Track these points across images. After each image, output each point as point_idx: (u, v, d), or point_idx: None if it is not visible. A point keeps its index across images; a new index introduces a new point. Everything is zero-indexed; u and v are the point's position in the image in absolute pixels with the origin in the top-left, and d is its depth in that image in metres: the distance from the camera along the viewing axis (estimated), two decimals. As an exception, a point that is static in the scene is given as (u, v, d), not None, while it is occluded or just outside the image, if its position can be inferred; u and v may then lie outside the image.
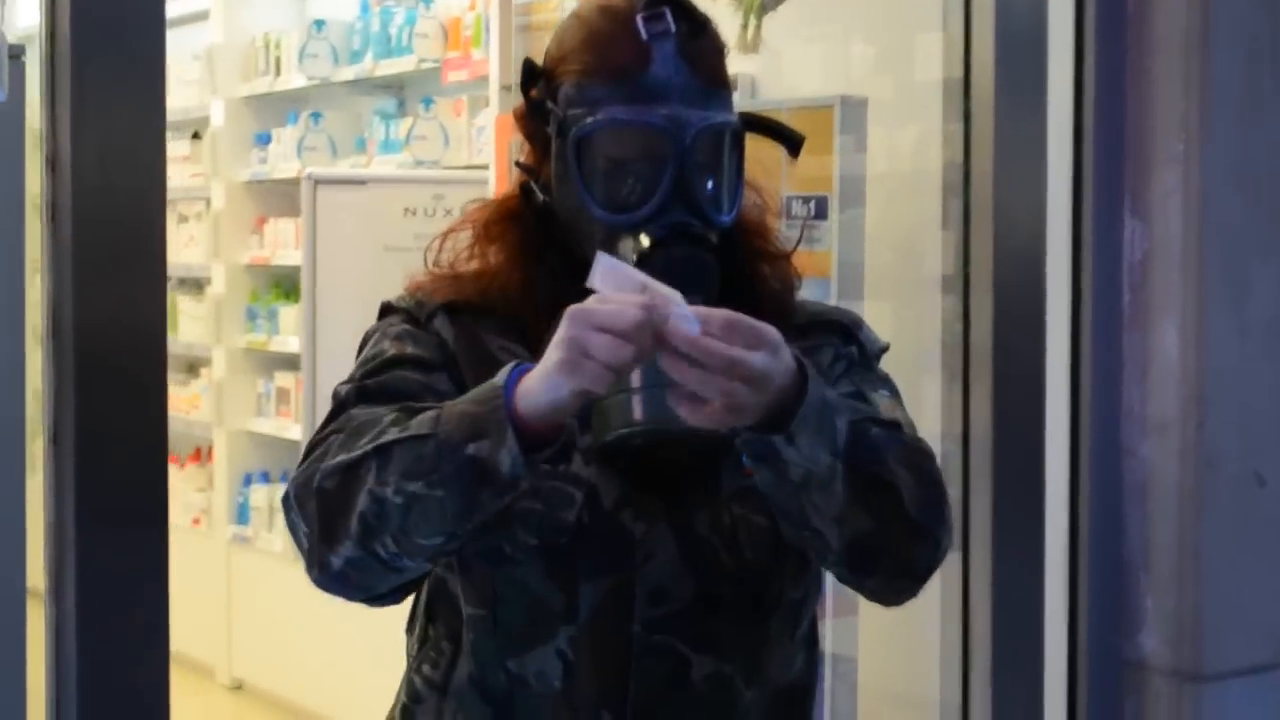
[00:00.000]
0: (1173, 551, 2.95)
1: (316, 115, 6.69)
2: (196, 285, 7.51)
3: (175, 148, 7.54)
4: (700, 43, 1.92)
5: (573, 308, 1.64)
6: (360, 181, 5.17)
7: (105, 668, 2.18)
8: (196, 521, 7.30)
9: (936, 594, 3.01)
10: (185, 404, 7.42)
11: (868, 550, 1.81)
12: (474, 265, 2.02)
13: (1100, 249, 2.98)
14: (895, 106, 3.22)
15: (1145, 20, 2.96)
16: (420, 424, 1.74)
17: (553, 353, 1.64)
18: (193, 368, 7.62)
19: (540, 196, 1.96)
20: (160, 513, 2.21)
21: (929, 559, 1.88)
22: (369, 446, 1.75)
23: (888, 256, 3.15)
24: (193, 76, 7.40)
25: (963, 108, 2.92)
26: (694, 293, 1.69)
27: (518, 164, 2.01)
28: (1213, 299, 2.94)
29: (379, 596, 1.88)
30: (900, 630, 3.16)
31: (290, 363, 6.58)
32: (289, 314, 6.65)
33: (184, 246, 7.46)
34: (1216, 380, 2.94)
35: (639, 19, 1.89)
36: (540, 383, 1.66)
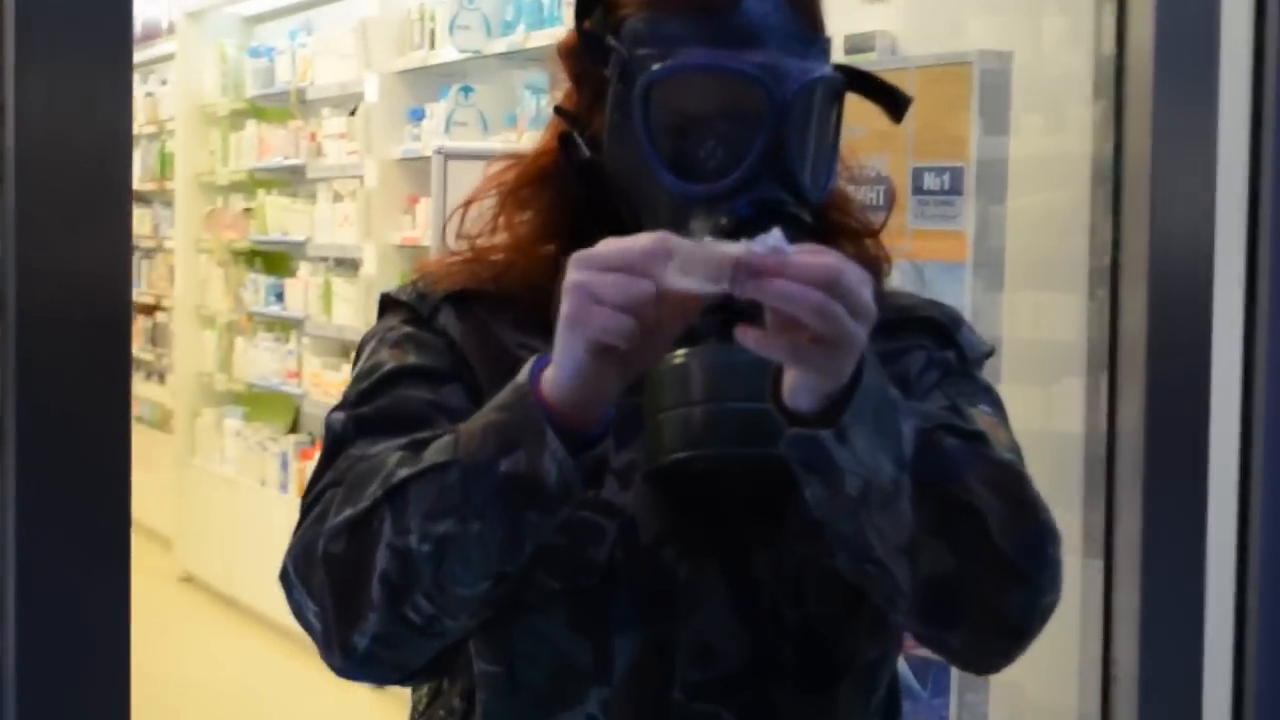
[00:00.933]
0: None
1: (467, 89, 6.68)
2: (350, 266, 7.54)
3: (331, 125, 7.70)
4: None
5: (578, 253, 1.40)
6: (492, 156, 4.87)
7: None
8: None
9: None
10: (337, 389, 7.18)
11: (946, 593, 1.53)
12: (496, 240, 1.73)
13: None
14: (1046, 78, 2.89)
15: None
16: (436, 452, 1.49)
17: (560, 308, 1.41)
18: (345, 352, 7.62)
19: (585, 152, 1.66)
20: (120, 536, 1.87)
21: (1027, 608, 1.57)
22: (378, 493, 1.50)
23: (1032, 241, 2.82)
24: (347, 50, 7.44)
25: (1114, 88, 2.56)
26: None
27: (558, 110, 1.71)
28: None
29: (417, 673, 1.63)
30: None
31: None
32: None
33: (339, 226, 7.54)
34: None
35: None
36: (556, 356, 1.42)
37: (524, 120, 6.38)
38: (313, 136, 7.82)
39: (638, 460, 1.62)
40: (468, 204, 1.76)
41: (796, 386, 1.42)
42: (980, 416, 1.66)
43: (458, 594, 1.49)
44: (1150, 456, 2.64)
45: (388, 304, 1.75)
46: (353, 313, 7.30)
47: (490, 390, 1.54)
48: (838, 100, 1.64)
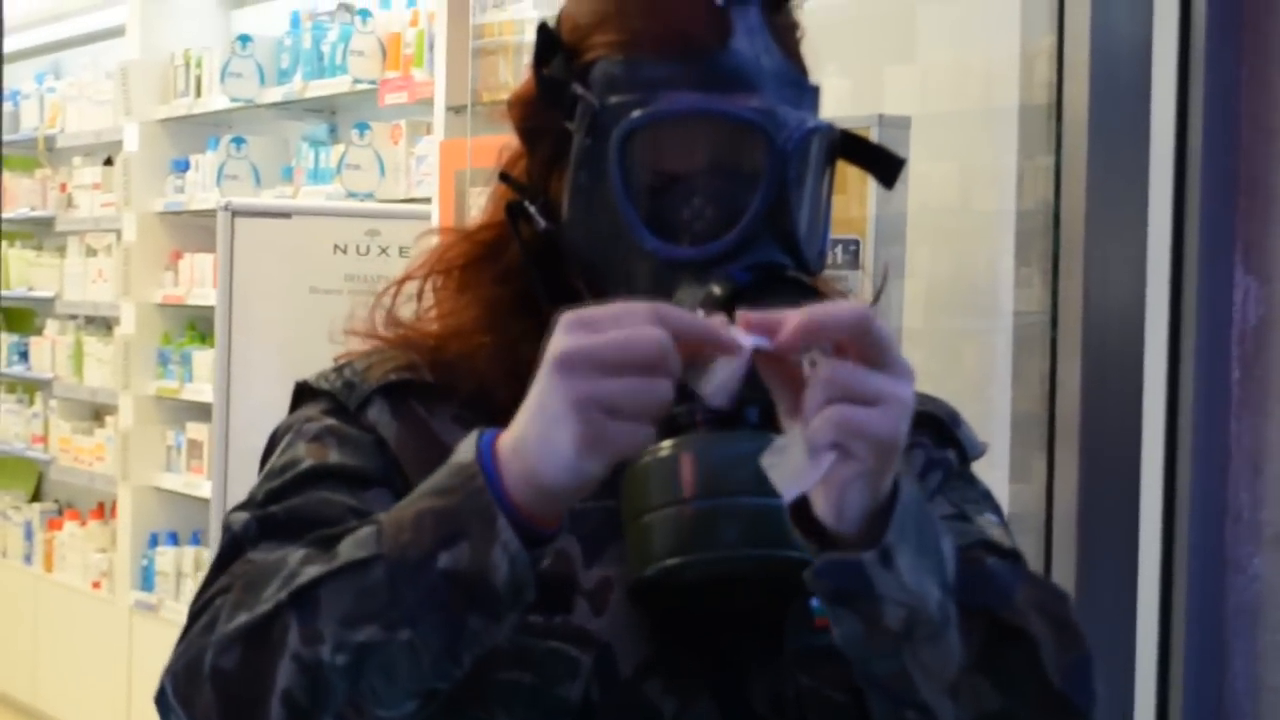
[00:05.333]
0: None
1: (239, 140, 6.46)
2: (104, 325, 7.34)
3: (85, 174, 7.52)
4: (784, 17, 1.47)
5: (557, 348, 1.19)
6: (284, 214, 4.88)
7: None
8: (97, 585, 7.11)
9: None
10: (88, 455, 7.28)
11: None
12: (433, 325, 1.53)
13: (1205, 314, 2.54)
14: (945, 134, 2.79)
15: (1268, 21, 2.52)
16: (355, 546, 1.28)
17: (556, 425, 1.19)
18: (98, 415, 7.47)
19: (541, 222, 1.48)
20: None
21: None
22: (281, 595, 1.29)
23: (937, 308, 2.71)
24: (105, 97, 7.21)
25: (1049, 137, 2.47)
26: None
27: (504, 178, 1.53)
28: (1354, 379, 2.54)
29: None
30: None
31: (204, 413, 6.32)
32: (204, 359, 6.41)
33: (91, 282, 7.34)
34: (1356, 482, 2.55)
35: None
36: (548, 464, 1.20)
37: (300, 174, 6.19)
38: (63, 187, 7.61)
39: (614, 577, 1.42)
40: (402, 282, 1.56)
41: (825, 499, 1.21)
42: (989, 527, 1.50)
43: (376, 717, 1.29)
44: (1083, 546, 2.58)
45: (306, 392, 1.54)
46: (107, 374, 7.06)
47: None
48: (832, 157, 1.47)
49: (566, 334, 1.19)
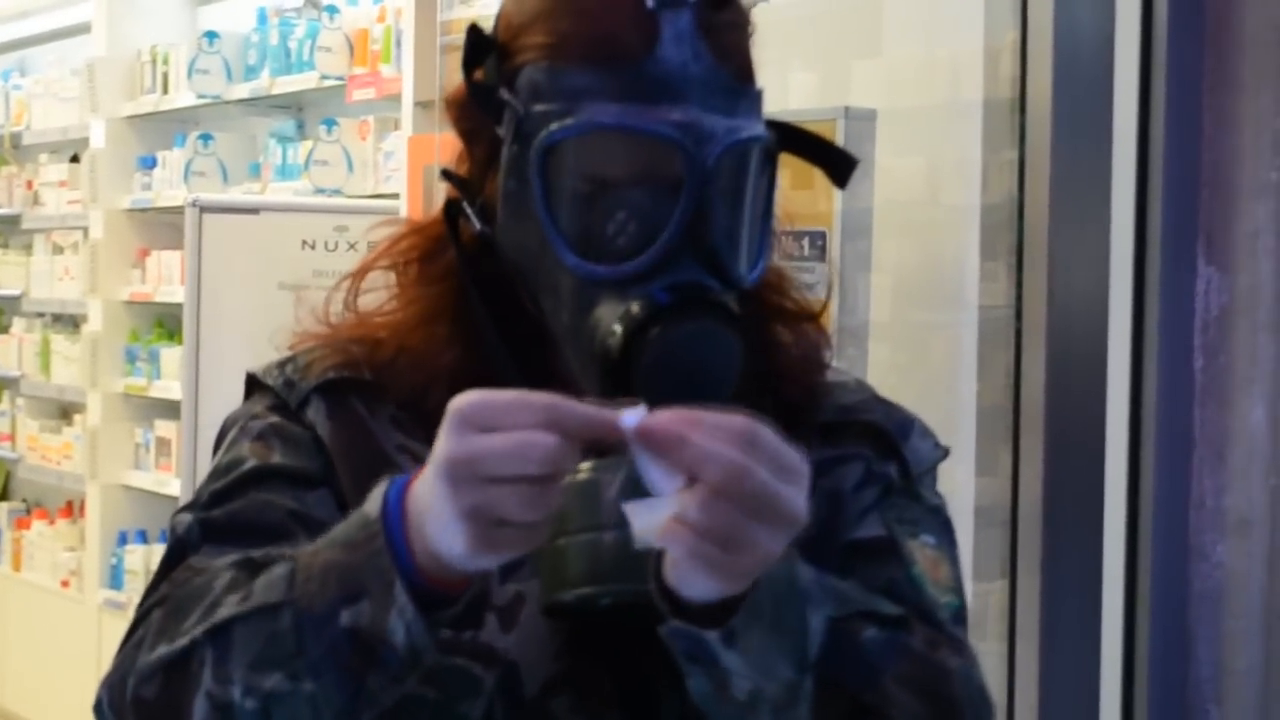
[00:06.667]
0: (1255, 679, 2.57)
1: (206, 137, 6.44)
2: (72, 323, 7.32)
3: (51, 172, 7.47)
4: (724, 14, 1.41)
5: (446, 453, 1.17)
6: (252, 210, 4.87)
7: None
8: (65, 583, 7.08)
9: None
10: (56, 453, 7.25)
11: None
12: (378, 318, 1.52)
13: (1167, 304, 2.56)
14: (911, 128, 2.80)
15: (1229, 14, 2.55)
16: (268, 588, 1.29)
17: (448, 529, 1.18)
18: (65, 413, 7.43)
19: (476, 224, 1.45)
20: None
21: None
22: (198, 631, 1.30)
23: (904, 302, 2.72)
24: (71, 94, 7.19)
25: (1013, 131, 2.48)
26: (710, 393, 1.26)
27: (445, 174, 1.51)
28: (1314, 367, 2.56)
29: None
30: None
31: (173, 410, 6.32)
32: (172, 356, 6.39)
33: (58, 280, 7.31)
34: (1316, 469, 2.58)
35: None
36: (444, 554, 1.20)
37: (268, 170, 6.18)
38: (29, 184, 7.56)
39: (525, 592, 1.40)
40: (359, 275, 1.54)
41: (682, 570, 1.18)
42: (920, 551, 1.47)
43: None
44: (1047, 540, 2.59)
45: (254, 385, 1.54)
46: (75, 372, 7.03)
47: (356, 499, 1.32)
48: (771, 163, 1.42)
49: (455, 435, 1.16)
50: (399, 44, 5.16)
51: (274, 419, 1.49)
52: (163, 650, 1.30)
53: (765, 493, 1.15)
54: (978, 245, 2.69)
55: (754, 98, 1.41)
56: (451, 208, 1.47)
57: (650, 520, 1.16)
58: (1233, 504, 2.59)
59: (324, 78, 5.72)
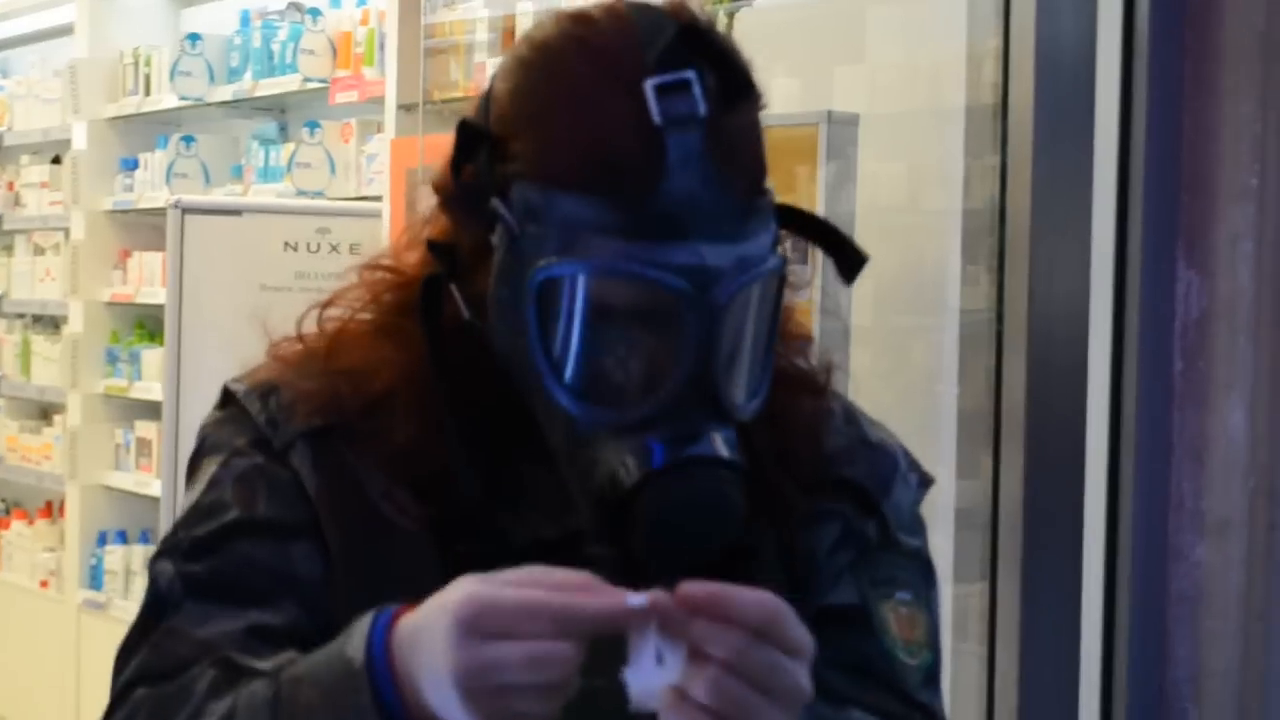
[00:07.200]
0: (1232, 681, 2.60)
1: (189, 139, 6.43)
2: (52, 324, 7.29)
3: (32, 173, 7.41)
4: (736, 118, 1.30)
5: (458, 664, 1.14)
6: (235, 211, 4.87)
7: None
8: (45, 584, 7.04)
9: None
10: (36, 454, 7.21)
11: None
12: (358, 354, 1.44)
13: (1148, 307, 2.57)
14: (893, 134, 2.81)
15: (1210, 20, 2.56)
16: (251, 711, 1.26)
17: (462, 715, 1.15)
18: (45, 414, 7.39)
19: (465, 312, 1.37)
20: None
21: None
22: None
23: (885, 306, 2.73)
24: (53, 95, 7.16)
25: (995, 137, 2.50)
26: (711, 547, 1.27)
27: (431, 246, 1.40)
28: (1292, 371, 2.57)
29: None
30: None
31: (153, 411, 6.28)
32: (153, 357, 6.36)
33: (39, 281, 7.28)
34: (1294, 471, 2.59)
35: (650, 89, 1.27)
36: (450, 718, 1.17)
37: (250, 172, 6.16)
38: (10, 185, 7.52)
39: None
40: (327, 304, 1.48)
41: None
42: (893, 613, 1.45)
43: None
44: (1028, 541, 2.60)
45: (230, 401, 1.47)
46: (55, 372, 7.00)
47: (340, 549, 1.33)
48: (780, 282, 1.34)
49: (463, 643, 1.13)
50: (382, 47, 5.14)
51: (258, 459, 1.43)
52: None
53: (776, 671, 1.14)
54: (959, 250, 2.70)
55: (765, 209, 1.32)
56: (431, 286, 1.38)
57: (649, 684, 1.16)
58: (1211, 505, 2.61)
59: (307, 80, 5.71)
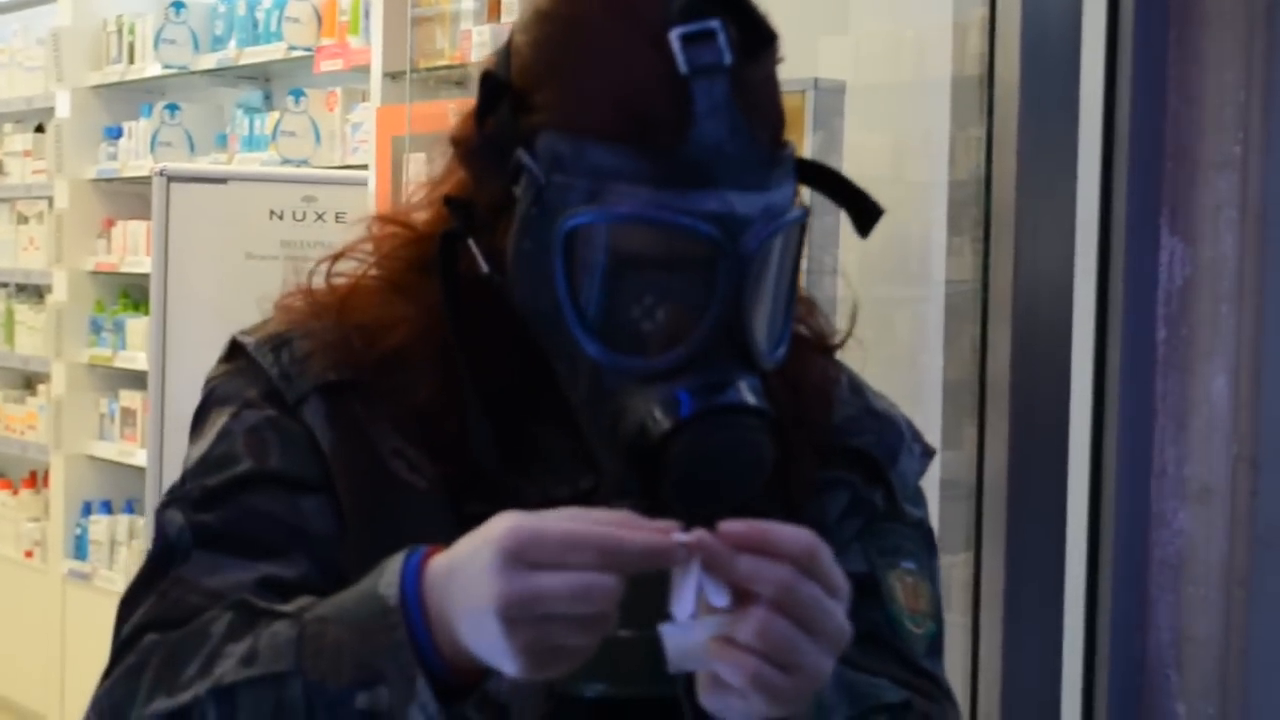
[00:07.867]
0: (1214, 647, 2.59)
1: (173, 107, 6.41)
2: (36, 293, 7.27)
3: (15, 141, 7.39)
4: (758, 69, 1.31)
5: (500, 592, 1.13)
6: (220, 179, 4.83)
7: None
8: (29, 554, 7.04)
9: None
10: (20, 423, 7.21)
11: None
12: (371, 310, 1.43)
13: (1131, 275, 2.57)
14: (879, 104, 2.81)
15: None
16: (274, 652, 1.25)
17: (501, 655, 1.15)
18: (29, 383, 7.38)
19: (484, 267, 1.36)
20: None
21: None
22: (200, 688, 1.26)
23: (870, 277, 2.75)
24: (36, 63, 7.13)
25: (981, 108, 2.49)
26: (741, 495, 1.27)
27: (448, 201, 1.40)
28: (1273, 337, 2.53)
29: None
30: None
31: (138, 380, 6.31)
32: (137, 326, 6.35)
33: (22, 250, 7.26)
34: (1276, 438, 2.55)
35: (675, 38, 1.27)
36: (487, 661, 1.17)
37: (235, 141, 6.16)
38: (-7, 154, 7.47)
39: None
40: (338, 256, 1.47)
41: (727, 695, 1.17)
42: (900, 581, 1.46)
43: None
44: (1012, 511, 2.59)
45: (239, 352, 1.46)
46: (39, 342, 6.99)
47: (351, 503, 1.32)
48: (802, 232, 1.35)
49: (507, 571, 1.13)
50: (367, 15, 5.16)
51: (270, 412, 1.41)
52: (161, 704, 1.27)
53: (821, 609, 1.15)
54: (944, 221, 2.69)
55: (788, 161, 1.33)
56: (450, 240, 1.38)
57: (686, 642, 1.15)
58: (1194, 472, 2.60)
59: (291, 48, 5.70)
